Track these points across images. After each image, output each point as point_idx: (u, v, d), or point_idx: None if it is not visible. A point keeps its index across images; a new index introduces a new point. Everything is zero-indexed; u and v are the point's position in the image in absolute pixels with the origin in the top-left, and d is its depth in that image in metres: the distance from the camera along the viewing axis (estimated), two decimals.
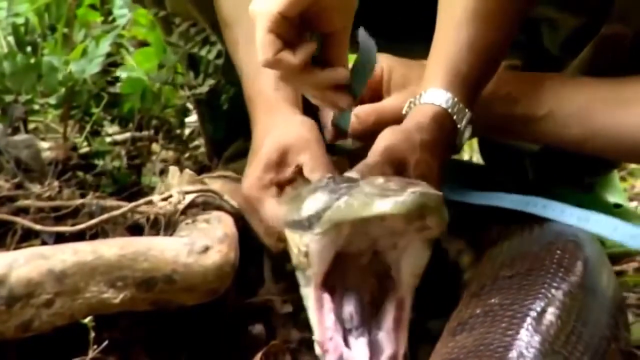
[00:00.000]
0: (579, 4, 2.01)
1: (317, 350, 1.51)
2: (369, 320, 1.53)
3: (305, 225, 1.52)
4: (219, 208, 1.88)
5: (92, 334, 1.62)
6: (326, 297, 1.53)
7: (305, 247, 1.53)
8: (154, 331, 1.77)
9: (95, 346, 1.62)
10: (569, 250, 1.69)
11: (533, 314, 1.49)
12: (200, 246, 1.74)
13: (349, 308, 1.53)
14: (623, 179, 3.09)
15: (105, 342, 1.63)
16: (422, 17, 2.03)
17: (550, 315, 1.50)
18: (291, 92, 1.95)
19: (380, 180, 1.50)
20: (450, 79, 1.83)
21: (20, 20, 2.27)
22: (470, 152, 2.99)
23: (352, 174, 1.67)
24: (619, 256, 2.18)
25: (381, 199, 1.40)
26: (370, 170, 1.69)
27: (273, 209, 1.78)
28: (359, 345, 1.50)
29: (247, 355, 1.74)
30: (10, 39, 2.25)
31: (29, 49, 2.26)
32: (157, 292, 1.71)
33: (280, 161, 1.83)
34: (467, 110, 1.81)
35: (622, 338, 1.63)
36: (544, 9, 2.05)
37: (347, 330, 1.52)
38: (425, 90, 1.83)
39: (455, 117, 1.80)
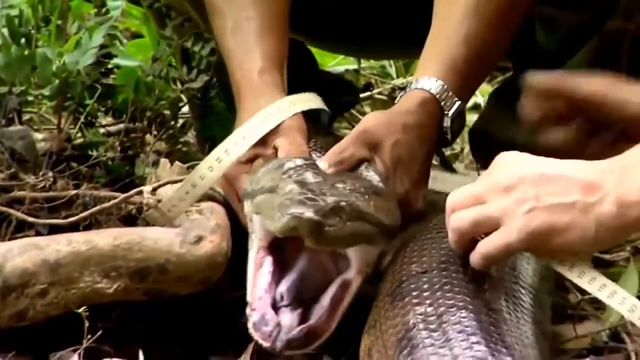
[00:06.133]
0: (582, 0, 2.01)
1: (248, 310, 1.60)
2: (305, 299, 1.62)
3: (250, 196, 1.71)
4: (211, 198, 1.89)
5: (87, 324, 1.63)
6: (268, 259, 1.64)
7: (250, 214, 1.70)
8: (148, 321, 1.78)
9: (89, 336, 1.63)
10: None
11: None
12: (193, 236, 1.75)
13: (284, 286, 1.62)
14: None
15: (99, 332, 1.64)
16: (415, 18, 2.06)
17: None
18: (278, 77, 1.98)
19: (311, 179, 1.65)
20: (443, 69, 1.86)
21: (14, 12, 2.27)
22: (462, 144, 3.00)
23: (322, 159, 1.78)
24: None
25: (275, 213, 1.56)
26: (340, 153, 1.78)
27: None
28: (290, 314, 1.59)
29: (240, 345, 1.75)
30: (5, 30, 2.25)
31: (23, 40, 2.26)
32: (150, 282, 1.72)
33: (261, 142, 1.85)
34: (456, 99, 1.83)
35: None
36: (540, 6, 2.05)
37: (279, 307, 1.60)
38: (417, 78, 1.86)
39: (443, 103, 1.83)
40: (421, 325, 1.46)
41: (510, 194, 1.44)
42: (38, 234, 1.85)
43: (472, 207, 1.47)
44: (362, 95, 3.24)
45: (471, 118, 2.51)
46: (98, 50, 2.23)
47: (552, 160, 1.48)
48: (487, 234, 1.48)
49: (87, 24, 2.35)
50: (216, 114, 2.37)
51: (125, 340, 1.72)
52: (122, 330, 1.73)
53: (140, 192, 1.92)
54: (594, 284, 1.52)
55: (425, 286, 1.54)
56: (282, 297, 1.60)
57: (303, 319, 1.59)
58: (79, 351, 1.64)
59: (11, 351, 1.64)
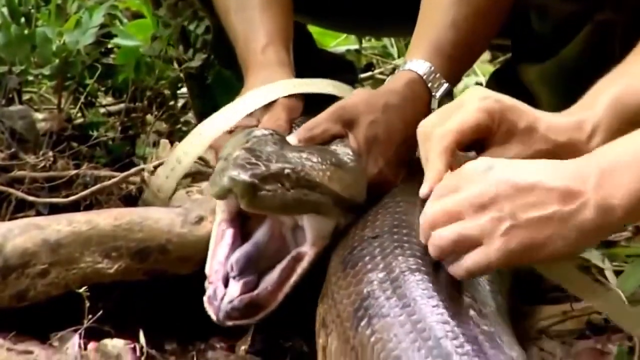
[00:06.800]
0: None
1: (206, 283, 1.61)
2: (262, 270, 1.62)
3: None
4: None
5: (87, 304, 1.63)
6: (229, 232, 1.64)
7: None
8: (149, 301, 1.78)
9: (90, 316, 1.63)
10: None
11: None
12: (194, 216, 1.75)
13: (235, 257, 1.61)
14: None
15: (100, 312, 1.64)
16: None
17: None
18: (283, 53, 2.00)
19: (266, 148, 1.65)
20: (430, 52, 1.88)
21: None
22: None
23: (293, 134, 1.80)
24: None
25: (218, 175, 1.58)
26: (312, 129, 1.80)
27: None
28: (236, 285, 1.59)
29: (240, 326, 1.74)
30: (4, 10, 2.25)
31: (22, 20, 2.26)
32: (151, 262, 1.72)
33: (249, 114, 1.89)
34: (444, 81, 1.84)
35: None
36: None
37: (232, 277, 1.60)
38: (405, 61, 1.89)
39: (430, 85, 1.84)
40: (376, 293, 1.44)
41: (485, 213, 1.39)
42: (38, 213, 1.85)
43: (451, 225, 1.43)
44: (363, 75, 3.24)
45: None
46: (98, 29, 2.23)
47: (524, 165, 1.44)
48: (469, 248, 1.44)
49: (87, 3, 2.35)
50: (219, 83, 2.37)
51: (126, 321, 1.71)
52: (123, 311, 1.73)
53: (141, 171, 1.92)
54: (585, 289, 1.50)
55: (377, 251, 1.53)
56: (232, 268, 1.60)
57: (253, 288, 1.59)
58: (79, 331, 1.64)
59: (12, 331, 1.64)
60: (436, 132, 1.58)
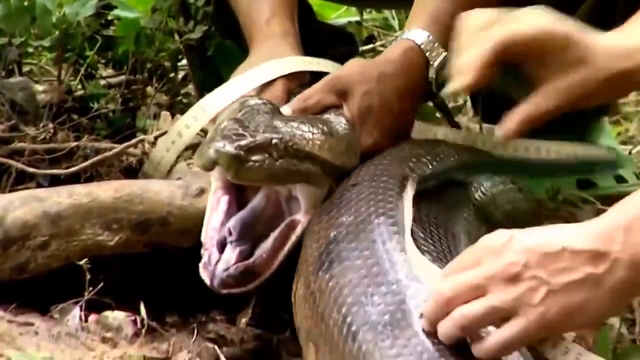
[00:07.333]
0: None
1: (202, 251, 1.61)
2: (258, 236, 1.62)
3: None
4: None
5: (88, 276, 1.63)
6: (224, 199, 1.65)
7: None
8: (149, 273, 1.78)
9: (90, 288, 1.63)
10: None
11: None
12: (195, 189, 1.75)
13: (233, 222, 1.61)
14: (617, 122, 3.09)
15: (101, 284, 1.64)
16: None
17: None
18: (288, 25, 2.01)
19: (257, 118, 1.65)
20: (428, 22, 1.89)
21: None
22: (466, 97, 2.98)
23: (288, 104, 1.82)
24: (611, 197, 2.18)
25: (205, 146, 1.58)
26: (306, 100, 1.81)
27: None
28: (232, 251, 1.59)
29: (242, 298, 1.75)
30: None
31: None
32: (152, 234, 1.72)
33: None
34: (442, 50, 1.84)
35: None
36: None
37: (229, 242, 1.60)
38: (404, 32, 1.91)
39: (428, 54, 1.86)
40: (341, 236, 1.44)
41: (519, 283, 1.29)
42: (39, 185, 1.85)
43: (477, 300, 1.30)
44: (364, 48, 3.23)
45: None
46: (98, 1, 2.22)
47: (545, 232, 1.34)
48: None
49: None
50: (220, 55, 2.36)
51: (127, 293, 1.72)
52: (124, 283, 1.73)
53: (142, 142, 1.92)
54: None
55: (353, 196, 1.54)
56: (230, 233, 1.60)
57: (248, 256, 1.59)
58: (80, 303, 1.64)
59: (12, 304, 1.64)
60: (485, 34, 1.56)
